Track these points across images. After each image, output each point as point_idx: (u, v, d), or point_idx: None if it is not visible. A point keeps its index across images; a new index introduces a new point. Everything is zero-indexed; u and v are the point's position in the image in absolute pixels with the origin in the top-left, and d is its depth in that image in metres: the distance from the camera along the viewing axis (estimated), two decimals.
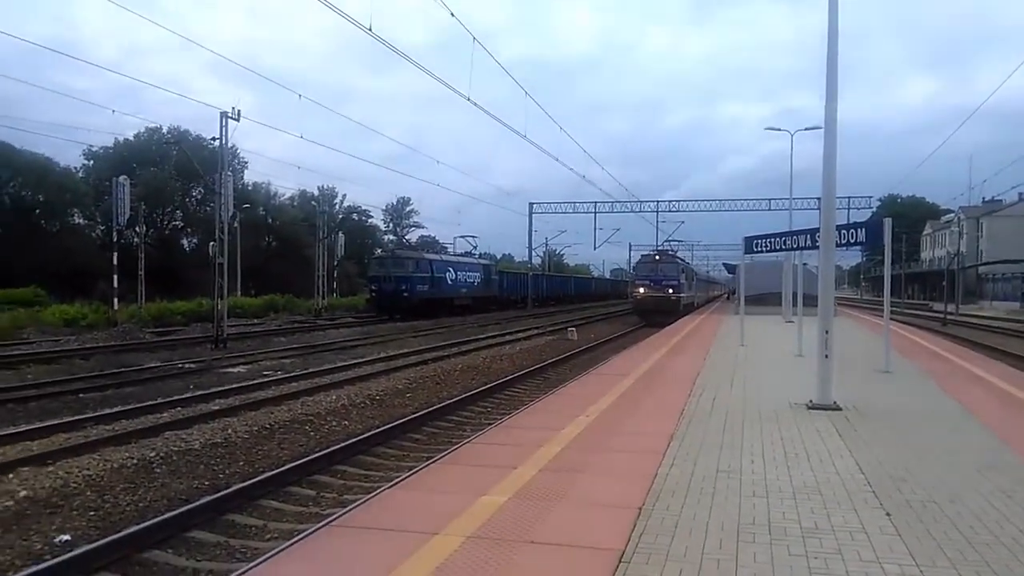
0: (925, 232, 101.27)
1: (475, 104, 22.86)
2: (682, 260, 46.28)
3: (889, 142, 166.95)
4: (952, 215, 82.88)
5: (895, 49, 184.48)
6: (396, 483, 6.41)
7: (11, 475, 8.20)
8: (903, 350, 17.47)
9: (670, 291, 38.17)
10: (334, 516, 5.33)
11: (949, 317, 41.37)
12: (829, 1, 9.17)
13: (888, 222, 12.96)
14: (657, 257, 41.27)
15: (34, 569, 5.59)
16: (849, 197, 51.43)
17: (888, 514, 5.04)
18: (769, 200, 53.42)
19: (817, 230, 12.76)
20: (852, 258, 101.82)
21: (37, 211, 53.78)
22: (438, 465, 6.81)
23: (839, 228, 13.62)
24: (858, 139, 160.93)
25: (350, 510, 5.49)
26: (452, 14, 17.79)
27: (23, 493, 7.58)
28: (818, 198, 10.43)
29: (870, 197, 55.01)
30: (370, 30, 15.36)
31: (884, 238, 12.86)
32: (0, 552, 6.26)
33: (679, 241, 56.98)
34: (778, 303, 28.04)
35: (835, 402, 9.30)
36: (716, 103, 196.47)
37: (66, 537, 6.62)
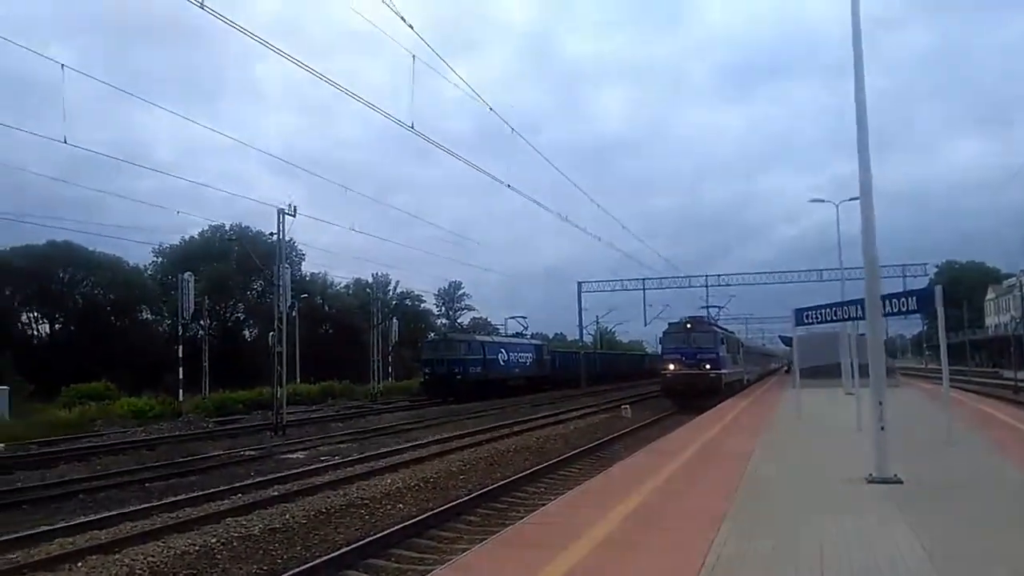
0: (988, 297, 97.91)
1: (515, 190, 23.57)
2: (722, 328, 38.75)
3: (941, 204, 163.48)
4: (1015, 279, 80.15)
5: (942, 108, 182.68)
6: (448, 565, 6.53)
7: (80, 563, 8.52)
8: (970, 420, 16.89)
9: (707, 367, 31.19)
10: None
11: (1021, 384, 39.60)
12: (855, 85, 9.44)
13: (939, 289, 12.81)
14: (688, 325, 33.60)
15: None
16: (904, 265, 50.51)
17: None
18: (820, 271, 52.66)
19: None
20: (914, 327, 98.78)
21: (108, 308, 56.34)
22: (489, 547, 6.91)
23: (889, 297, 13.54)
24: (909, 202, 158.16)
25: None
26: (491, 108, 18.63)
27: None
28: None
29: (925, 264, 53.84)
30: (412, 127, 16.17)
31: (936, 306, 12.67)
32: None
33: (719, 307, 48.71)
34: (838, 375, 27.40)
35: (895, 475, 9.08)
36: (759, 175, 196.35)
37: None
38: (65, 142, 15.98)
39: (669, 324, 36.13)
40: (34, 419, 26.46)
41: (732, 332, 44.92)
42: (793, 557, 5.86)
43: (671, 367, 31.95)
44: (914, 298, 13.57)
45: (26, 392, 36.03)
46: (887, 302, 13.02)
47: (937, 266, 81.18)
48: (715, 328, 35.26)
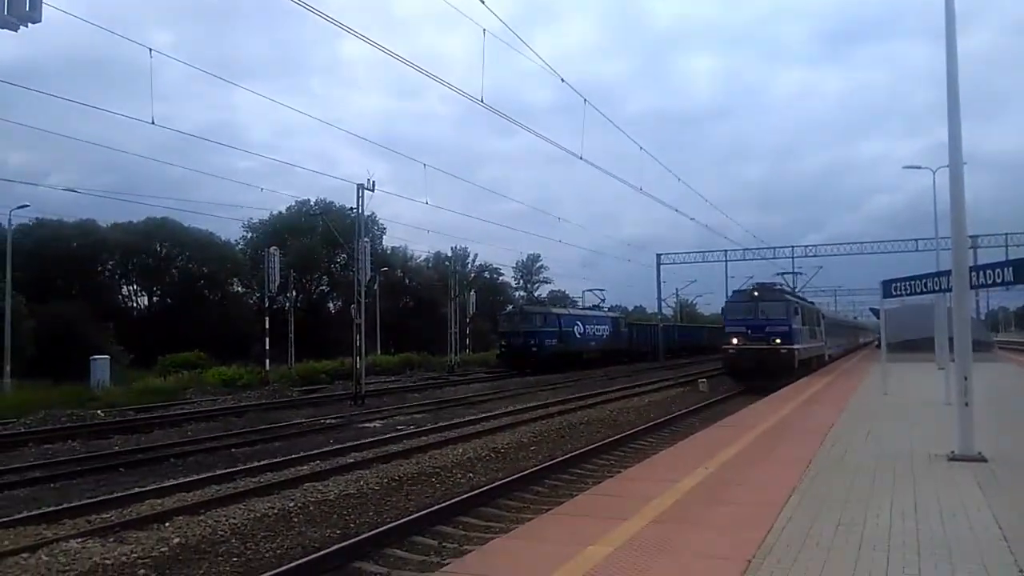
0: None
1: (588, 162, 23.25)
2: (797, 297, 32.90)
3: None
4: None
5: None
6: (510, 533, 6.62)
7: (167, 523, 9.02)
8: None
9: (777, 341, 26.65)
10: (449, 564, 5.58)
11: None
12: (947, 46, 8.86)
13: None
14: (756, 293, 29.09)
15: None
16: (1007, 234, 47.37)
17: (1021, 571, 4.68)
18: (916, 240, 50.01)
19: None
20: (1021, 299, 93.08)
21: (201, 281, 59.04)
22: (551, 516, 6.96)
23: (983, 268, 12.77)
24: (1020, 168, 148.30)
25: (465, 559, 5.73)
26: (562, 79, 18.35)
27: (176, 540, 8.33)
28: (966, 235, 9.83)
29: None
30: (482, 101, 16.13)
31: None
32: None
33: (796, 274, 42.59)
34: (931, 349, 26.20)
35: (980, 453, 8.65)
36: (857, 141, 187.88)
37: None
38: (152, 123, 16.63)
39: (733, 292, 31.97)
40: (132, 387, 28.07)
41: (811, 302, 38.92)
42: (859, 534, 5.67)
43: (734, 341, 27.81)
44: (1010, 268, 12.75)
45: (126, 361, 38.28)
46: (980, 273, 12.29)
47: None
48: (787, 296, 30.07)
